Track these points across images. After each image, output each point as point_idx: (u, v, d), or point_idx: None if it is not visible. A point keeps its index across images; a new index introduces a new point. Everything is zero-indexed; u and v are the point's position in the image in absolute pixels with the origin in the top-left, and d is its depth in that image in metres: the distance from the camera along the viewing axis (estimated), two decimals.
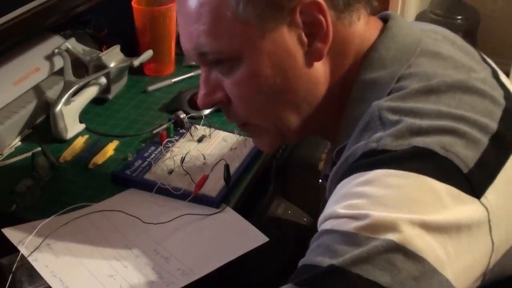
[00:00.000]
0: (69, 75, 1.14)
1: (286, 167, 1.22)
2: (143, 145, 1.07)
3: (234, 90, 0.68)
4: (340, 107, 0.69)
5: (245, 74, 0.66)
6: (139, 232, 0.84)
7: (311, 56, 0.66)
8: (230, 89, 0.68)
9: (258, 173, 1.01)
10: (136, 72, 1.30)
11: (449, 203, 0.54)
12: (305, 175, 1.23)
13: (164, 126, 1.09)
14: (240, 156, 1.00)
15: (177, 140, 1.05)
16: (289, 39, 0.65)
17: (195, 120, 1.12)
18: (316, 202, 1.19)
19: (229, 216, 0.88)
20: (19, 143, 1.08)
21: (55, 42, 1.20)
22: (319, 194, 1.22)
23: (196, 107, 1.16)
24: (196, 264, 0.78)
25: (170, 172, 0.95)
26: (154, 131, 1.10)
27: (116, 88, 1.24)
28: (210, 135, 1.06)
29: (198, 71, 1.32)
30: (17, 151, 1.07)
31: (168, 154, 1.01)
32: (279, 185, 1.21)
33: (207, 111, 1.17)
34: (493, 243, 0.56)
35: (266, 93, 0.67)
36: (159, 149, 1.02)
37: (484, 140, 0.58)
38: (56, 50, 1.18)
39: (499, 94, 0.63)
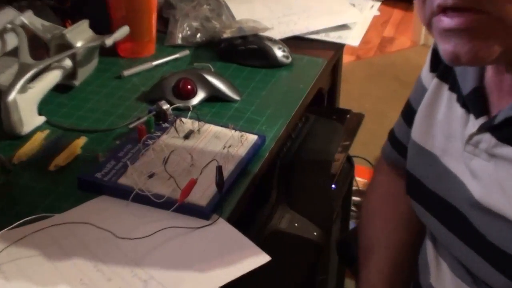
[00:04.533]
0: (25, 56, 1.06)
1: (292, 169, 1.21)
2: (117, 142, 1.01)
3: None
4: None
5: None
6: (111, 249, 0.80)
7: None
8: None
9: (258, 177, 0.96)
10: (108, 53, 1.23)
11: None
12: (315, 179, 1.23)
13: (143, 120, 1.02)
14: (236, 156, 0.95)
15: (159, 137, 0.99)
16: None
17: (181, 112, 1.05)
18: (328, 212, 1.21)
19: (222, 230, 0.84)
20: None
21: (7, 15, 1.11)
22: (331, 202, 1.24)
23: (182, 96, 1.09)
24: None
25: (151, 175, 0.90)
26: (131, 126, 1.03)
27: (84, 73, 1.17)
28: (199, 130, 1.01)
29: (185, 52, 1.29)
30: None
31: (148, 154, 0.95)
32: (283, 191, 1.20)
33: (195, 101, 1.09)
34: None
35: None
36: (136, 148, 0.96)
37: None
38: (9, 26, 1.10)
39: None
